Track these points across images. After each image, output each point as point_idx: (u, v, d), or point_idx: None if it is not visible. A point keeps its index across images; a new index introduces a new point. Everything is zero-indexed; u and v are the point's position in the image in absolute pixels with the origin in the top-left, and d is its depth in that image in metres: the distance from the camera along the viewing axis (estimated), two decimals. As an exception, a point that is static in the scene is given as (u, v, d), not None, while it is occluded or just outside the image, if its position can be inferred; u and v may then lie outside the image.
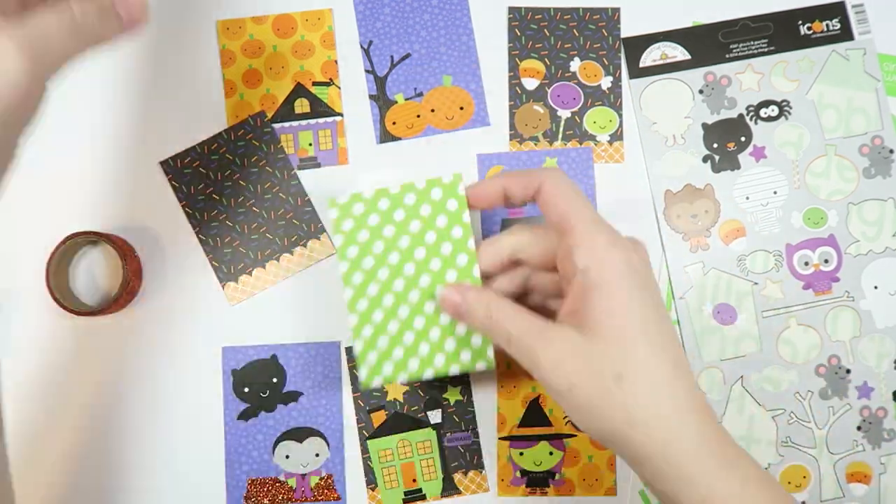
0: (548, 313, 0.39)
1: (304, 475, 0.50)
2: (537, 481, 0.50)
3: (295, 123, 0.52)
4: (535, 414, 0.50)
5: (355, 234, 0.40)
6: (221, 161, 0.51)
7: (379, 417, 0.50)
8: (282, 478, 0.50)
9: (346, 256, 0.41)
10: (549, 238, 0.39)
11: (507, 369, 0.50)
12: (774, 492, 0.33)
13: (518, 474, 0.50)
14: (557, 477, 0.50)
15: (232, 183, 0.51)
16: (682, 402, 0.33)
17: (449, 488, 0.50)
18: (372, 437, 0.50)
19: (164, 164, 0.51)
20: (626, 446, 0.33)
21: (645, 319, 0.34)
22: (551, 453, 0.50)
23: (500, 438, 0.50)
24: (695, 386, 0.34)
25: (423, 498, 0.50)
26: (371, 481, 0.50)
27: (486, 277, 0.41)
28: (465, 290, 0.38)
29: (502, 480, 0.50)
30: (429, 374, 0.41)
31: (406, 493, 0.50)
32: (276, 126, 0.52)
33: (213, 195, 0.51)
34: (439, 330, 0.41)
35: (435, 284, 0.40)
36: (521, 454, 0.50)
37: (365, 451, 0.50)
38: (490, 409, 0.50)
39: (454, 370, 0.41)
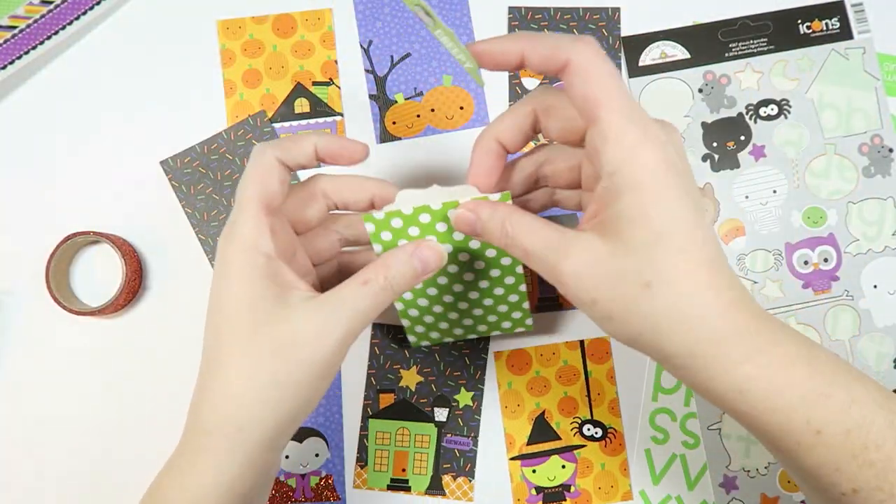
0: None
1: (303, 475, 0.50)
2: (553, 496, 0.49)
3: (295, 123, 0.52)
4: (542, 429, 0.50)
5: (395, 242, 0.39)
6: (221, 161, 0.51)
7: (387, 399, 0.50)
8: (281, 478, 0.49)
9: None
10: (575, 155, 0.38)
11: (509, 388, 0.50)
12: (824, 367, 0.31)
13: (533, 492, 0.49)
14: (573, 489, 0.49)
15: (232, 183, 0.51)
16: (712, 307, 0.30)
17: (434, 487, 0.49)
18: (374, 416, 0.50)
19: (164, 164, 0.51)
20: (652, 350, 0.32)
21: (675, 219, 0.30)
22: (563, 466, 0.50)
23: (510, 459, 0.50)
24: (729, 283, 0.31)
25: (408, 490, 0.49)
26: (362, 459, 0.50)
27: (514, 197, 0.40)
28: (479, 207, 0.35)
29: (518, 500, 0.49)
30: (472, 337, 0.46)
31: (392, 480, 0.49)
32: (276, 126, 0.52)
33: (213, 195, 0.51)
34: (482, 310, 0.44)
35: (479, 280, 0.41)
36: (534, 471, 0.49)
37: (364, 428, 0.50)
38: (496, 428, 0.50)
39: (496, 334, 0.47)
